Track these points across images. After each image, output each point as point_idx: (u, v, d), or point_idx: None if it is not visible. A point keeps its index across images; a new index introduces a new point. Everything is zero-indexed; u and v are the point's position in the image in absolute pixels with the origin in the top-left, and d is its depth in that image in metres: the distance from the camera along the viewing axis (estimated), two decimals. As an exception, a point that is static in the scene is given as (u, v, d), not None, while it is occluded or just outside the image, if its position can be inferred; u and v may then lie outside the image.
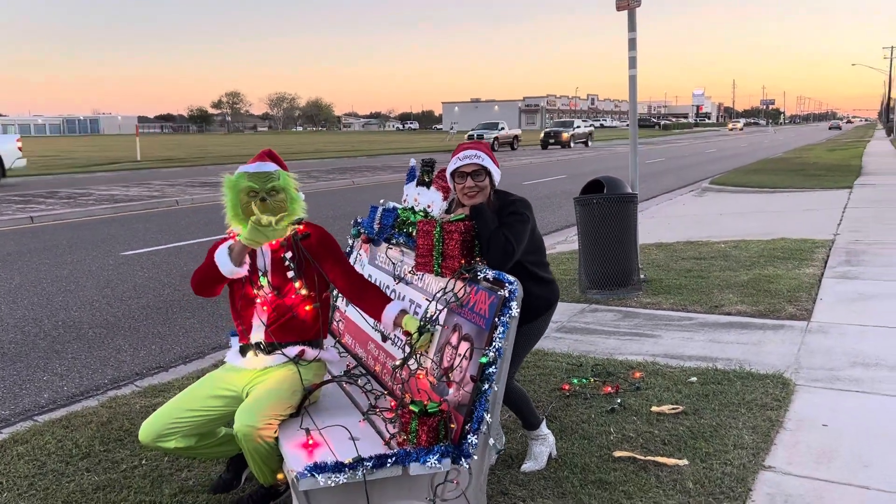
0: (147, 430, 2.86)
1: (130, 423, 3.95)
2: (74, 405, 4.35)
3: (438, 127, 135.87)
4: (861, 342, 5.04)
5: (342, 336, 3.98)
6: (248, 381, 2.98)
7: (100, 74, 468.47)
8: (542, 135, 45.21)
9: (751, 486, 3.08)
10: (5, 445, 3.70)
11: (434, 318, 2.97)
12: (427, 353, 2.94)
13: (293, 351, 3.04)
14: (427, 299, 3.09)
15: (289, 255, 3.03)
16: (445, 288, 2.91)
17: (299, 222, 3.09)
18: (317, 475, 2.40)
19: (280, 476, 2.88)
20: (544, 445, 3.34)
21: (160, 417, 2.88)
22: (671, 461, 3.29)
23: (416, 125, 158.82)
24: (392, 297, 3.23)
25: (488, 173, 3.05)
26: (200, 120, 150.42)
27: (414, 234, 3.41)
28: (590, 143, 46.89)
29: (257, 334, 3.06)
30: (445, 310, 2.94)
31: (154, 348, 5.67)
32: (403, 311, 3.01)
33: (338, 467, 2.43)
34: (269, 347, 3.04)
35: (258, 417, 2.75)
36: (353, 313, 3.87)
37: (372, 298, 3.08)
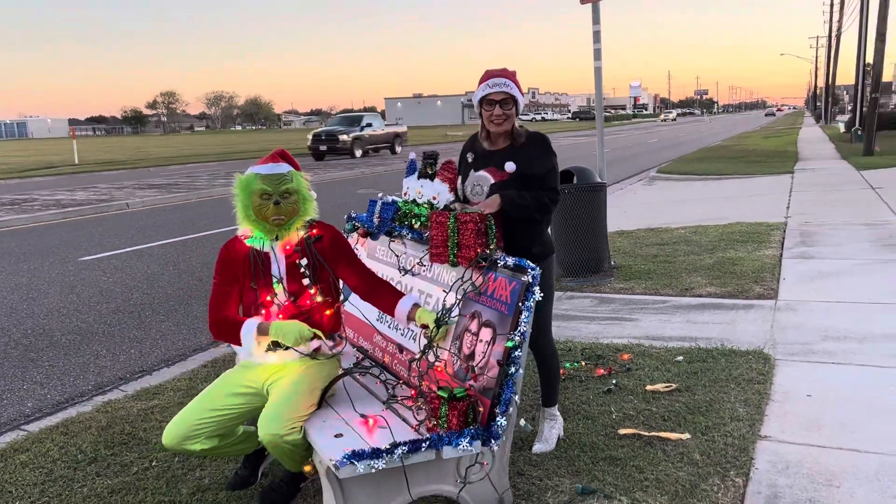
0: (172, 433, 2.84)
1: (131, 426, 3.90)
2: (68, 411, 4.27)
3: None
4: (828, 317, 5.31)
5: (343, 331, 4.01)
6: (268, 376, 3.00)
7: (24, 77, 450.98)
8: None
9: (752, 455, 3.25)
10: (6, 455, 3.62)
11: (451, 308, 3.04)
12: (444, 344, 3.01)
13: (311, 346, 3.06)
14: (444, 290, 3.16)
15: (304, 261, 3.03)
16: (463, 277, 2.98)
17: (311, 223, 3.10)
18: (356, 462, 2.44)
19: (307, 468, 2.91)
20: (554, 428, 3.45)
21: (184, 420, 2.85)
22: (674, 436, 3.44)
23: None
24: (399, 289, 3.28)
25: (515, 102, 3.14)
26: (135, 121, 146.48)
27: (417, 225, 3.48)
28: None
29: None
30: (462, 299, 3.01)
31: (133, 353, 5.58)
32: (416, 305, 3.05)
33: (375, 453, 2.48)
34: (285, 346, 3.05)
35: (282, 424, 2.75)
36: (353, 308, 3.90)
37: (384, 294, 3.11)
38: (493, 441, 2.64)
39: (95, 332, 6.10)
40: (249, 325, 2.93)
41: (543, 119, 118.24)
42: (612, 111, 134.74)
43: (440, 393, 2.68)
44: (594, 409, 3.83)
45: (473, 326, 2.90)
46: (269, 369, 3.03)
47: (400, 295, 3.10)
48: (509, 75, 3.18)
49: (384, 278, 3.34)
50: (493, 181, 3.17)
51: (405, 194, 3.65)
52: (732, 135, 42.99)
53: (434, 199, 3.38)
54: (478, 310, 2.91)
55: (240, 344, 2.96)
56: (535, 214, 3.10)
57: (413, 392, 3.03)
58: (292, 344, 2.86)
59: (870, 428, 3.49)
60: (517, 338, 2.66)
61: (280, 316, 3.04)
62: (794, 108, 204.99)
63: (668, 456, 3.27)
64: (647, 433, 3.48)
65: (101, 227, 12.46)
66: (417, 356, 3.07)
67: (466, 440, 2.58)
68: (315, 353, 3.07)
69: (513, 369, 2.66)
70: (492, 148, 3.27)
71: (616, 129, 68.69)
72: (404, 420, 2.86)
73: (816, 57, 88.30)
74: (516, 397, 2.67)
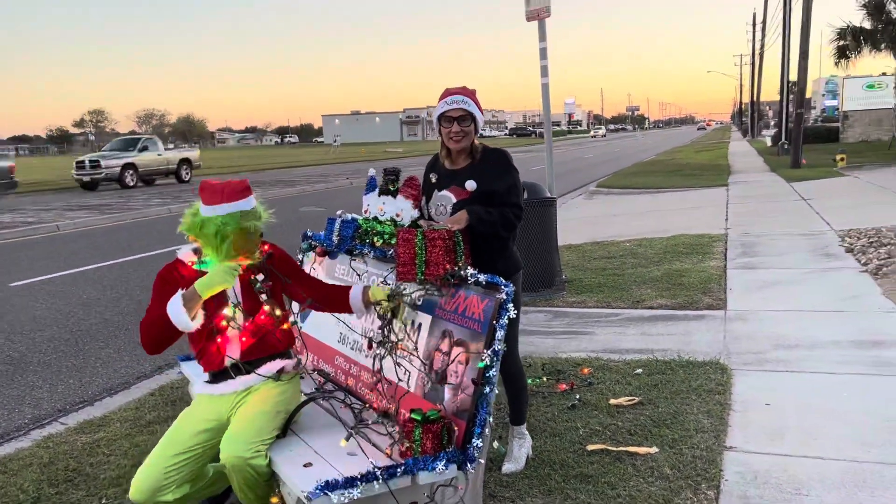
0: (141, 487, 2.64)
1: (76, 461, 3.68)
2: (5, 448, 4.00)
3: (320, 140, 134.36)
4: (777, 326, 5.42)
5: (302, 353, 3.87)
6: (231, 406, 2.86)
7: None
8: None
9: (721, 467, 3.26)
10: (-63, 499, 3.35)
11: (407, 292, 2.98)
12: (405, 331, 2.96)
13: (274, 367, 2.94)
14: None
15: (260, 276, 2.92)
16: (428, 288, 2.91)
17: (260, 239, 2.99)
18: (329, 493, 2.33)
19: (274, 500, 2.77)
20: (524, 447, 3.40)
21: (151, 470, 2.67)
22: (642, 450, 3.43)
23: (295, 139, 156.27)
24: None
25: (473, 119, 3.11)
26: (61, 140, 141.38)
27: (380, 243, 3.40)
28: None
29: (232, 353, 2.93)
30: (430, 318, 2.94)
31: (72, 382, 5.29)
32: (367, 287, 3.02)
33: (349, 482, 2.37)
34: (248, 367, 2.92)
35: (246, 446, 2.63)
36: (312, 329, 3.79)
37: (338, 295, 3.07)
38: (468, 464, 2.56)
39: (30, 362, 5.77)
40: (174, 299, 2.72)
41: (482, 136, 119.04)
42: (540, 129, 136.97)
43: (413, 416, 2.59)
44: (560, 425, 3.79)
45: (444, 346, 2.83)
46: (230, 399, 2.88)
47: (347, 288, 3.05)
48: (468, 93, 3.15)
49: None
50: (455, 200, 3.12)
51: (365, 211, 3.57)
52: (665, 149, 44.19)
53: (397, 216, 3.31)
54: (448, 328, 2.84)
55: (175, 333, 2.77)
56: (501, 230, 3.06)
57: (375, 411, 2.93)
58: (226, 282, 2.74)
59: (830, 435, 3.55)
60: (490, 357, 2.60)
61: (243, 339, 2.91)
62: (721, 123, 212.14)
63: (639, 471, 3.25)
64: (615, 448, 3.46)
65: (32, 250, 11.90)
66: (380, 343, 3.00)
67: (442, 464, 2.50)
68: (279, 374, 2.95)
69: (487, 389, 2.59)
70: (453, 167, 3.23)
71: (554, 143, 69.75)
72: (375, 445, 2.76)
73: (741, 74, 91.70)
74: (490, 418, 2.60)
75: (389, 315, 2.98)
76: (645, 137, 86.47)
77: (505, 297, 2.63)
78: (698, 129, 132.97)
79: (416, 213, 3.26)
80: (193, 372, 3.65)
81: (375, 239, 3.45)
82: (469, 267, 2.88)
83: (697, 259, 8.00)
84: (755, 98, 53.64)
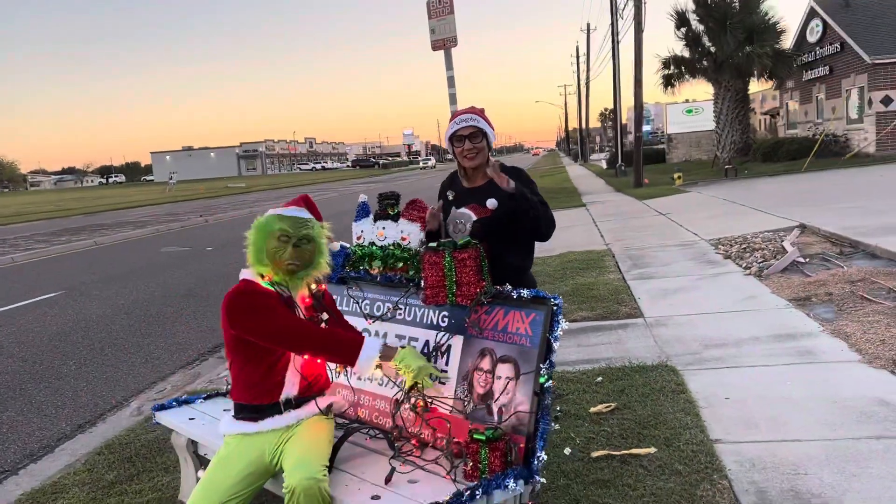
0: (200, 501, 2.53)
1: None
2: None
3: (149, 178, 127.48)
4: (696, 329, 5.85)
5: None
6: (277, 443, 2.72)
7: None
8: None
9: (719, 458, 3.48)
10: None
11: (442, 345, 2.96)
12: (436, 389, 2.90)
13: (325, 402, 2.85)
14: (433, 330, 3.06)
15: (325, 316, 2.88)
16: (468, 319, 2.90)
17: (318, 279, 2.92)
18: (418, 522, 2.27)
19: None
20: (539, 459, 3.44)
21: (210, 486, 2.55)
22: (643, 451, 3.59)
23: (122, 178, 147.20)
24: (370, 336, 3.13)
25: (485, 135, 3.16)
26: None
27: (379, 269, 3.36)
28: None
29: (290, 390, 2.80)
30: (462, 339, 2.93)
31: (-20, 452, 4.70)
32: (387, 350, 2.81)
33: (435, 510, 2.32)
34: (300, 401, 2.81)
35: (317, 468, 2.53)
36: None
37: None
38: (535, 477, 2.58)
39: (-82, 435, 5.05)
40: (373, 344, 2.77)
41: (324, 168, 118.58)
42: (389, 158, 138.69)
43: (477, 436, 2.58)
44: (553, 437, 3.87)
45: (485, 364, 2.83)
46: (276, 435, 2.75)
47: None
48: (476, 112, 3.22)
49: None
50: (475, 218, 3.15)
51: (359, 238, 3.51)
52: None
53: (403, 239, 3.29)
54: (487, 347, 2.85)
55: (350, 362, 2.74)
56: (541, 220, 3.10)
57: (415, 441, 2.88)
58: (413, 379, 2.76)
59: (795, 420, 3.89)
60: (547, 370, 2.64)
61: (300, 374, 2.81)
62: (547, 150, 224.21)
63: (649, 470, 3.40)
64: (617, 452, 3.59)
65: None
66: (404, 401, 2.93)
67: (512, 481, 2.51)
68: (328, 410, 2.85)
69: (547, 400, 2.64)
70: (470, 185, 3.27)
71: (396, 175, 70.65)
72: (426, 471, 2.70)
73: (566, 103, 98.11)
74: (552, 427, 2.65)
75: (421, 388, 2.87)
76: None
77: (555, 308, 2.69)
78: (532, 154, 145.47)
79: (423, 236, 3.26)
80: (209, 411, 3.44)
81: (375, 265, 3.41)
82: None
83: (597, 273, 8.45)
84: (585, 125, 57.43)
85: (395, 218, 3.36)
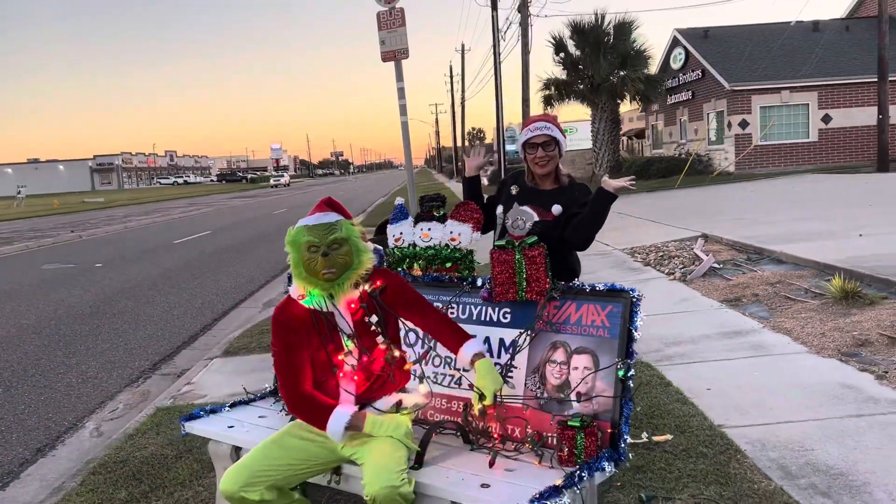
0: (232, 478, 2.62)
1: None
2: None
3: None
4: (650, 328, 6.22)
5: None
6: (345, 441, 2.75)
7: None
8: None
9: (733, 441, 3.78)
10: None
11: (521, 343, 3.03)
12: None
13: (391, 401, 2.85)
14: (485, 325, 3.15)
15: (374, 318, 2.81)
16: (538, 317, 3.01)
17: (371, 274, 2.87)
18: (546, 500, 2.36)
19: None
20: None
21: (245, 468, 2.65)
22: (662, 438, 3.83)
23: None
24: None
25: (557, 143, 3.28)
26: None
27: (416, 268, 3.42)
28: None
29: (346, 402, 2.79)
30: (524, 335, 3.04)
31: (-69, 483, 4.26)
32: (477, 355, 2.87)
33: (555, 490, 2.42)
34: (360, 407, 2.80)
35: (396, 476, 2.55)
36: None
37: (447, 337, 2.95)
38: (622, 460, 2.74)
39: None
40: (340, 417, 2.68)
41: (186, 182, 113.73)
42: (256, 173, 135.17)
43: (572, 423, 2.70)
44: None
45: (559, 356, 2.96)
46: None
47: (464, 337, 2.95)
48: (550, 119, 3.36)
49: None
50: (537, 218, 3.26)
51: (397, 240, 3.54)
52: (393, 189, 46.31)
53: (452, 240, 3.37)
54: (559, 339, 2.97)
55: (321, 427, 2.71)
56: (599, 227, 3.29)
57: (497, 435, 2.96)
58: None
59: (779, 405, 4.28)
60: (632, 358, 2.81)
61: (356, 378, 2.77)
62: (417, 167, 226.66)
63: (675, 454, 3.64)
64: (640, 441, 3.81)
65: None
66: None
67: (606, 463, 2.65)
68: (397, 408, 2.85)
69: (631, 384, 2.81)
70: (537, 187, 3.39)
71: (267, 190, 68.97)
72: (517, 460, 2.79)
73: (437, 121, 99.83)
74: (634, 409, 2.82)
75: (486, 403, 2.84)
76: (357, 181, 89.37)
77: (635, 299, 2.86)
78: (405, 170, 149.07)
79: (477, 235, 3.35)
80: (244, 418, 3.36)
81: (417, 265, 3.46)
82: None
83: (530, 281, 8.75)
84: (462, 143, 58.72)
85: (442, 219, 3.43)
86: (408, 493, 2.55)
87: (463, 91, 55.02)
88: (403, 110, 7.25)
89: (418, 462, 2.74)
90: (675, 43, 29.83)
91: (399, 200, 3.63)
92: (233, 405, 3.59)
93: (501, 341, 3.13)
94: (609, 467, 2.64)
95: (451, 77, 62.84)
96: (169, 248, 17.08)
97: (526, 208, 3.32)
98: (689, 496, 3.24)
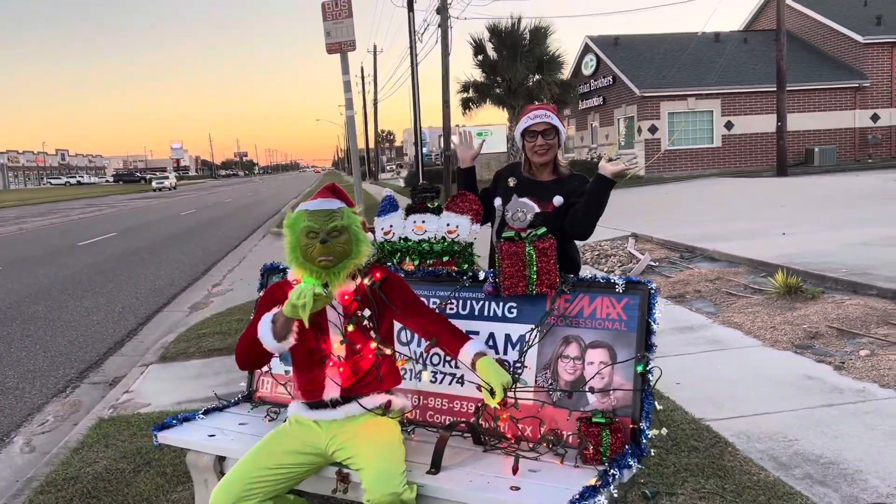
0: (222, 495, 2.47)
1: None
2: None
3: None
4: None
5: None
6: (331, 436, 2.62)
7: None
8: None
9: (719, 434, 3.79)
10: None
11: (531, 340, 2.91)
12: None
13: (379, 400, 2.69)
14: (488, 321, 3.02)
15: (367, 312, 2.66)
16: (550, 310, 2.89)
17: (369, 267, 2.71)
18: (585, 501, 2.26)
19: None
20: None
21: (236, 479, 2.50)
22: (654, 431, 3.79)
23: None
24: None
25: (557, 132, 3.20)
26: None
27: (408, 262, 3.27)
28: None
29: (331, 393, 2.66)
30: (535, 331, 2.92)
31: None
32: (478, 354, 2.70)
33: (593, 490, 2.32)
34: (347, 399, 2.66)
35: (398, 481, 2.42)
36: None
37: (445, 338, 2.78)
38: (643, 455, 2.66)
39: None
40: (263, 320, 2.57)
41: (80, 182, 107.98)
42: (155, 173, 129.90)
43: (596, 419, 2.60)
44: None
45: (571, 351, 2.85)
46: (329, 428, 2.64)
47: (463, 337, 2.81)
48: (549, 108, 3.26)
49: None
50: (537, 210, 3.15)
51: (386, 234, 3.36)
52: (304, 191, 45.42)
53: (450, 232, 3.21)
54: (572, 334, 2.87)
55: (265, 353, 2.62)
56: (599, 215, 3.19)
57: (510, 435, 2.83)
58: (301, 301, 2.42)
59: (750, 397, 4.34)
60: (652, 351, 2.74)
61: (341, 370, 2.63)
62: (325, 168, 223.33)
63: (669, 450, 3.61)
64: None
65: None
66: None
67: (631, 460, 2.57)
68: (385, 411, 2.69)
69: (651, 377, 2.74)
70: (535, 178, 3.27)
71: (172, 191, 66.37)
72: (538, 460, 2.66)
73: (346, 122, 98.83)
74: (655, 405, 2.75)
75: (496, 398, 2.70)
76: (263, 183, 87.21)
77: (652, 290, 2.79)
78: (314, 172, 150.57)
79: (476, 228, 3.21)
80: (225, 426, 3.10)
81: (409, 260, 3.29)
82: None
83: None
84: (376, 144, 58.29)
85: (437, 211, 3.27)
86: (410, 500, 2.42)
87: (375, 92, 54.70)
88: (350, 104, 7.03)
89: (435, 467, 2.58)
90: (586, 49, 30.62)
91: (388, 192, 3.44)
92: (206, 412, 3.31)
93: (508, 337, 3.00)
94: (635, 464, 2.57)
95: (363, 78, 62.32)
96: (74, 251, 16.06)
97: (526, 200, 3.21)
98: (692, 490, 3.21)
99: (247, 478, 2.50)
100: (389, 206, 3.39)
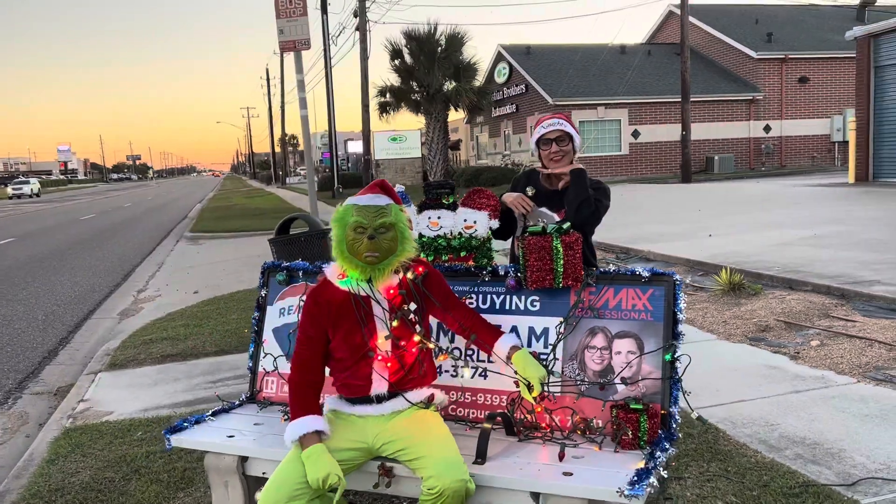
0: (273, 496, 2.43)
1: None
2: None
3: None
4: (561, 324, 6.42)
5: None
6: (378, 430, 2.61)
7: None
8: None
9: (708, 420, 3.96)
10: None
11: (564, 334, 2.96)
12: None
13: (424, 394, 2.71)
14: (511, 314, 3.07)
15: (413, 306, 2.68)
16: (577, 303, 2.96)
17: (411, 262, 2.73)
18: (640, 484, 2.34)
19: None
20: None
21: (285, 480, 2.46)
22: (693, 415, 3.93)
23: None
24: None
25: (571, 139, 3.26)
26: None
27: (445, 259, 3.28)
28: None
29: (379, 388, 2.65)
30: (563, 323, 2.98)
31: None
32: (514, 347, 2.80)
33: (645, 473, 2.41)
34: (391, 396, 2.66)
35: (464, 469, 2.44)
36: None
37: (481, 333, 2.84)
38: (674, 439, 2.77)
39: None
40: (298, 427, 2.54)
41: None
42: (42, 177, 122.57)
43: (634, 406, 2.69)
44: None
45: (598, 342, 2.93)
46: (376, 423, 2.64)
47: (497, 332, 2.87)
48: (563, 117, 3.32)
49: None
50: (557, 219, 3.21)
51: (398, 228, 3.34)
52: (208, 196, 44.01)
53: (468, 228, 3.24)
54: (598, 325, 2.95)
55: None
56: (585, 200, 3.21)
57: (545, 425, 2.88)
58: (538, 390, 2.62)
59: (722, 386, 4.55)
60: (679, 339, 2.86)
61: (388, 365, 2.63)
62: (224, 173, 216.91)
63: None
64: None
65: None
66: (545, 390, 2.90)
67: (667, 444, 2.68)
68: (429, 403, 2.71)
69: (679, 365, 2.85)
70: (552, 187, 3.33)
71: (62, 195, 62.87)
72: (576, 447, 2.72)
73: (249, 125, 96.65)
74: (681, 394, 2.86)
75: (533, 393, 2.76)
76: (161, 187, 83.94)
77: (677, 281, 2.91)
78: (214, 176, 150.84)
79: (495, 223, 3.24)
80: (240, 427, 3.01)
81: (423, 255, 3.29)
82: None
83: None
84: (282, 148, 57.13)
85: (452, 207, 3.29)
86: (472, 488, 2.45)
87: (282, 95, 53.64)
88: (303, 104, 6.90)
89: (481, 457, 2.60)
90: (499, 58, 31.21)
91: (400, 187, 3.42)
92: (215, 413, 3.20)
93: (531, 330, 3.05)
94: (670, 448, 2.67)
95: (269, 80, 61.11)
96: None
97: (545, 210, 3.31)
98: (698, 473, 3.35)
99: (296, 477, 2.45)
100: (402, 201, 3.37)
